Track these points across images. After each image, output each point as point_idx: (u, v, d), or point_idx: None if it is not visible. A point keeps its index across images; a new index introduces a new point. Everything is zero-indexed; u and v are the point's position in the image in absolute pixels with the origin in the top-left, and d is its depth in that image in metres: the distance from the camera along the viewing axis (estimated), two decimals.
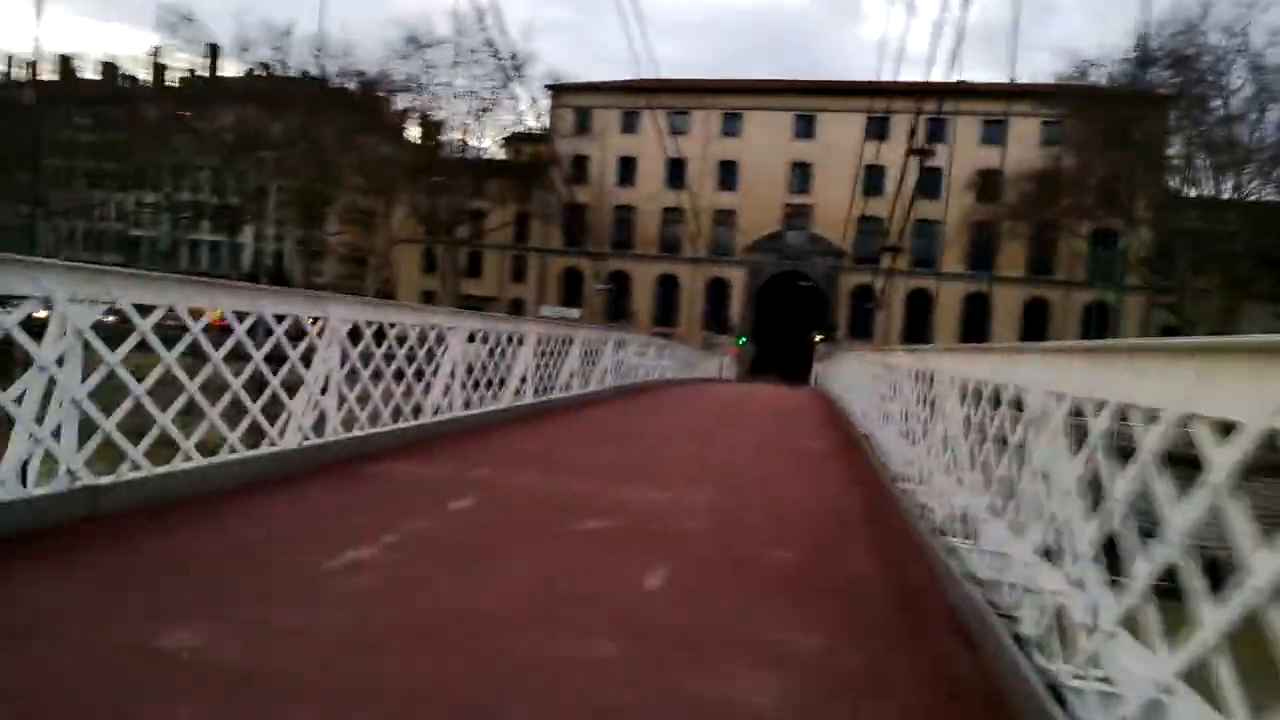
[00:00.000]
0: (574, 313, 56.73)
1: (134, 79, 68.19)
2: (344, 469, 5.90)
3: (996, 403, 4.43)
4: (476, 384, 9.01)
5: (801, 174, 60.98)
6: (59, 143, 63.75)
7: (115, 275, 4.30)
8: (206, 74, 64.02)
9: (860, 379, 14.32)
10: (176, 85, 64.65)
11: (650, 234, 62.79)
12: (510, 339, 10.29)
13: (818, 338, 60.22)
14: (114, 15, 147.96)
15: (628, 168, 63.15)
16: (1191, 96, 39.90)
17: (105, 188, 66.54)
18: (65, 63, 69.77)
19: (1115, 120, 42.65)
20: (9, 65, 71.82)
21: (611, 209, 63.30)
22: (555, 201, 59.39)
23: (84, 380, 3.98)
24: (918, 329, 57.77)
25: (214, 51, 62.80)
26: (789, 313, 64.23)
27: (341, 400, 6.32)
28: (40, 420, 3.75)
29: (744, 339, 58.41)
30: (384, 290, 68.70)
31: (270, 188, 64.38)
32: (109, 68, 69.67)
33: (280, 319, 5.65)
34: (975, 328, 56.83)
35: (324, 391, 6.08)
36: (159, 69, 66.40)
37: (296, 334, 6.08)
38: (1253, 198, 38.42)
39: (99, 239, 68.30)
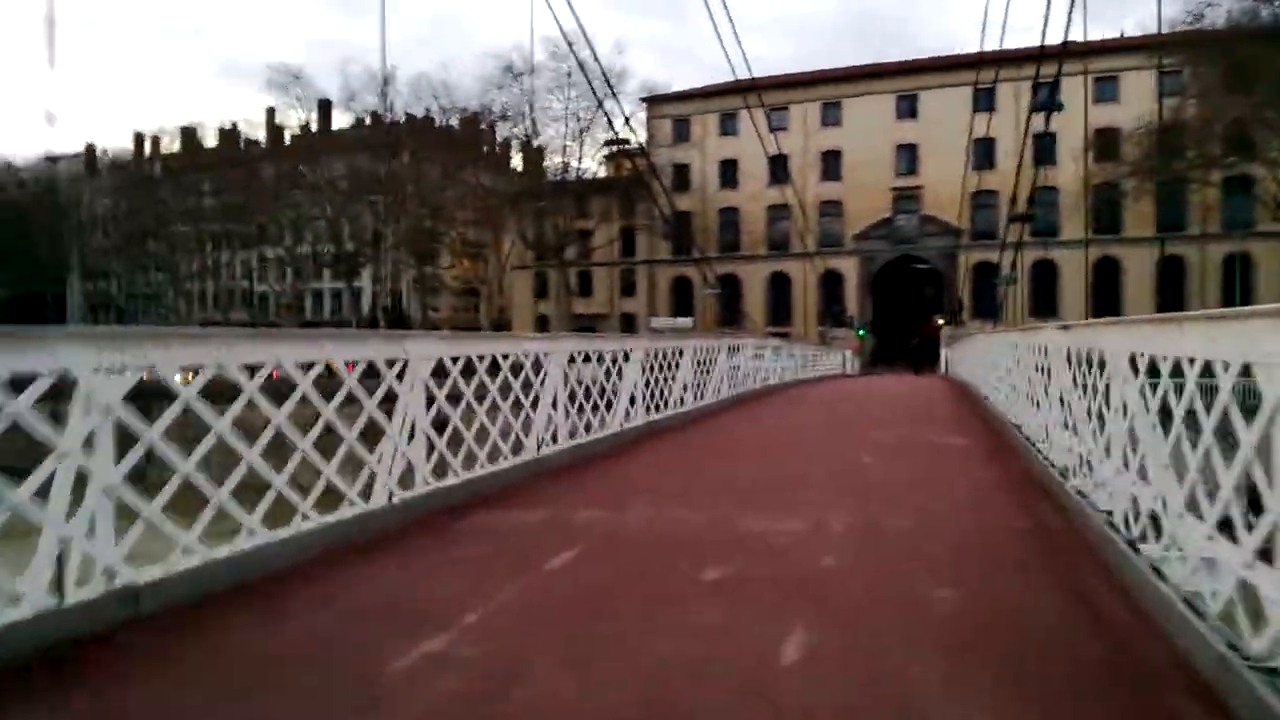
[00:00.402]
0: (686, 322, 56.09)
1: (252, 141, 71.92)
2: (435, 524, 5.34)
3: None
4: (581, 409, 8.39)
5: (907, 155, 58.70)
6: (186, 210, 67.48)
7: (150, 336, 3.84)
8: (317, 128, 66.77)
9: (998, 362, 13.13)
10: (289, 143, 67.73)
11: (757, 234, 61.65)
12: (615, 358, 9.66)
13: (940, 322, 57.80)
14: (236, 79, 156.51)
15: (729, 170, 62.22)
16: None
17: (230, 248, 69.90)
18: (188, 134, 73.80)
19: (1237, 61, 39.36)
20: (138, 143, 76.79)
21: (716, 213, 62.45)
22: (659, 212, 59.12)
23: (120, 459, 3.51)
24: (1046, 302, 54.60)
25: (324, 106, 65.45)
26: (908, 299, 61.88)
27: (431, 447, 5.79)
28: (73, 512, 3.29)
29: (863, 330, 56.47)
30: (499, 319, 69.96)
31: (384, 231, 66.49)
32: (227, 134, 73.46)
33: (354, 364, 5.20)
34: (1106, 295, 53.18)
35: (411, 439, 5.56)
36: (274, 129, 69.84)
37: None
38: None
39: (228, 298, 71.86)
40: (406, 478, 5.50)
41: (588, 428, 8.48)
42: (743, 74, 35.79)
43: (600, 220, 59.07)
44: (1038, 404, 8.03)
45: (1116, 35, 50.20)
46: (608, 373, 9.12)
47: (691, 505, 6.11)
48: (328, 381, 5.07)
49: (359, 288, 72.59)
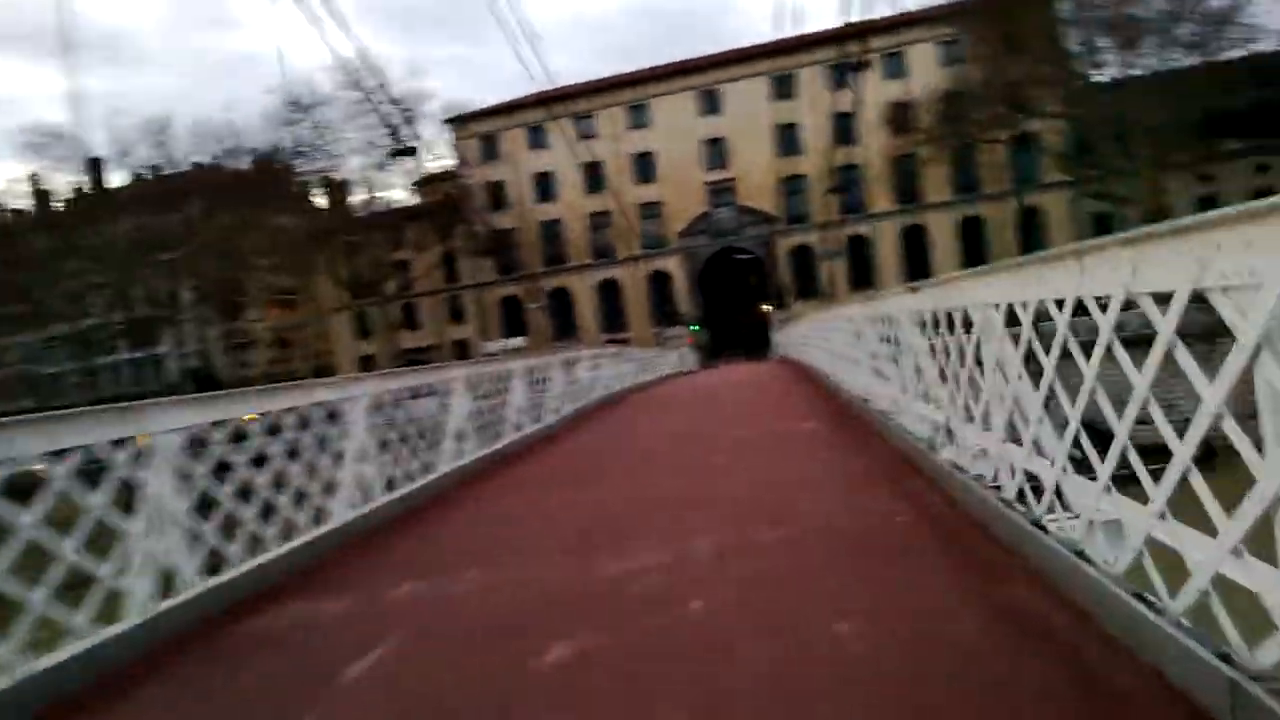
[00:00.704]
0: (519, 342, 54.85)
1: (16, 211, 64.56)
2: (207, 637, 4.15)
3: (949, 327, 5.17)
4: (398, 458, 7.27)
5: (717, 149, 59.80)
6: None
7: None
8: (91, 189, 61.01)
9: (833, 339, 13.07)
10: (61, 209, 61.47)
11: (581, 244, 61.19)
12: (433, 391, 8.59)
13: (766, 308, 59.22)
14: None
15: (544, 183, 61.54)
16: None
17: (3, 332, 62.65)
18: None
19: (1007, 25, 42.05)
20: None
21: (537, 227, 61.56)
22: (479, 233, 57.63)
23: None
24: (862, 275, 56.85)
25: (94, 164, 59.86)
26: (734, 290, 63.10)
27: (195, 539, 4.59)
28: None
29: (696, 326, 57.02)
30: (321, 367, 66.38)
31: (179, 290, 61.67)
32: None
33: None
34: (916, 260, 55.97)
35: (157, 537, 4.34)
36: (40, 195, 63.20)
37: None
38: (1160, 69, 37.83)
39: (10, 386, 64.52)
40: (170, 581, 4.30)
41: (410, 476, 7.35)
42: (545, 85, 35.39)
43: (417, 249, 56.91)
44: (887, 376, 7.61)
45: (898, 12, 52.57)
46: (429, 412, 8.05)
47: (534, 558, 5.10)
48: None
49: (161, 353, 67.33)
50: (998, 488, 4.30)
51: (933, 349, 5.66)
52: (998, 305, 4.29)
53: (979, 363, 4.64)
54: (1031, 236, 53.85)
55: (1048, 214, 54.49)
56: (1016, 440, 3.99)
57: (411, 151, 49.02)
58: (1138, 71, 38.06)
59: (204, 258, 55.39)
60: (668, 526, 5.41)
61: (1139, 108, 35.10)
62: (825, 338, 14.47)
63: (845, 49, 27.50)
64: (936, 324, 5.59)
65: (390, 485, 6.89)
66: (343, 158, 53.94)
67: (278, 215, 55.33)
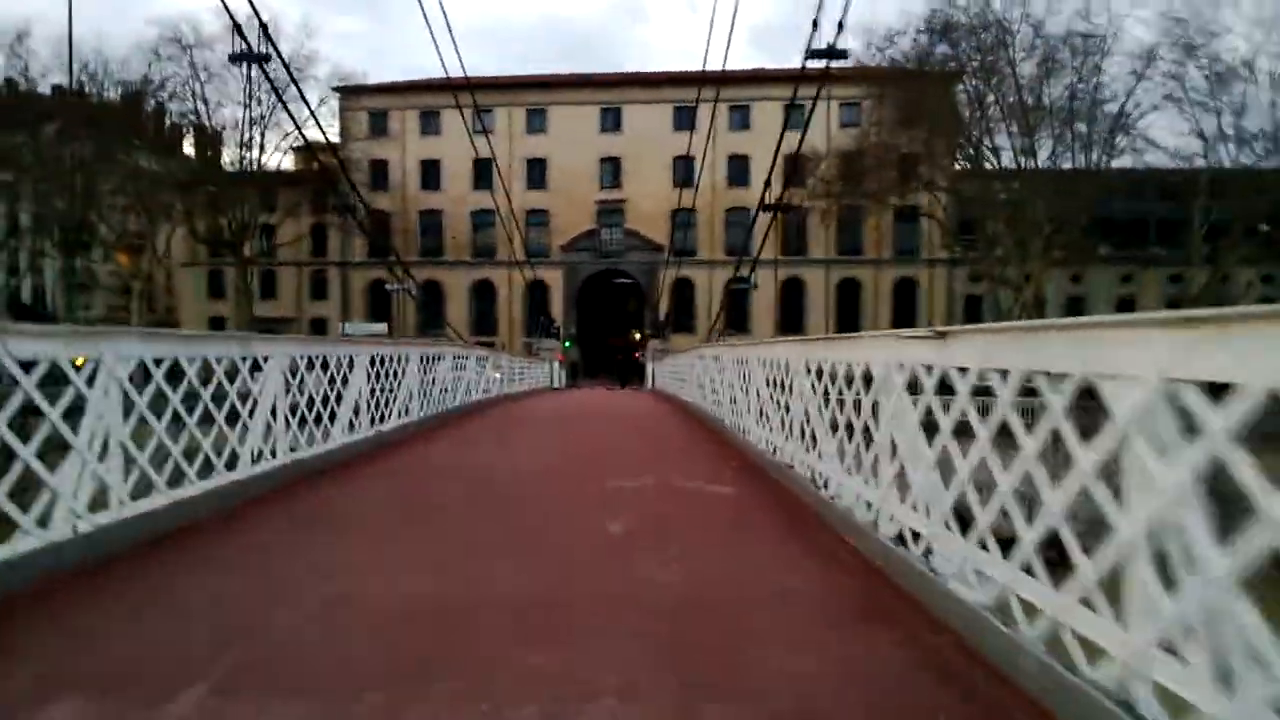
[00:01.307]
0: (380, 327, 52.49)
1: None
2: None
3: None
4: (166, 457, 5.34)
5: (612, 168, 59.38)
6: None
7: None
8: None
9: (728, 380, 12.40)
10: None
11: (461, 239, 59.40)
12: (229, 369, 6.42)
13: (638, 335, 59.03)
14: None
15: (431, 171, 59.51)
16: (982, 67, 40.98)
17: None
18: None
19: (910, 96, 43.39)
20: None
21: (417, 214, 59.42)
22: (352, 210, 54.98)
23: None
24: (737, 316, 57.44)
25: None
26: (610, 312, 62.69)
27: None
28: None
29: (570, 343, 56.16)
30: (164, 320, 61.92)
31: (19, 215, 56.35)
32: None
33: None
34: (792, 310, 57.12)
35: None
36: None
37: None
38: (1052, 162, 39.90)
39: None
40: None
41: (179, 480, 5.43)
42: (453, 68, 33.99)
43: (286, 215, 53.75)
44: (807, 434, 6.78)
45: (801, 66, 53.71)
46: (230, 393, 6.75)
47: (320, 686, 3.21)
48: None
49: None
50: None
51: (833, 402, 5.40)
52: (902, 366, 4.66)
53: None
54: (907, 305, 55.95)
55: (922, 287, 56.61)
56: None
57: (319, 146, 46.64)
58: (1030, 163, 39.93)
59: (52, 187, 50.80)
60: (559, 654, 3.47)
61: (1036, 198, 36.75)
62: (720, 379, 13.53)
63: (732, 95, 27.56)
64: (832, 377, 5.97)
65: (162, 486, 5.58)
66: (220, 107, 50.51)
67: (141, 155, 51.34)
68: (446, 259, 59.13)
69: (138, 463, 4.75)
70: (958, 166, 46.68)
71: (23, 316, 52.68)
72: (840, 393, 5.71)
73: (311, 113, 26.76)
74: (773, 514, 6.42)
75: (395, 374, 10.97)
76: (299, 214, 53.90)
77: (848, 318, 56.21)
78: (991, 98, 41.71)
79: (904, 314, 56.00)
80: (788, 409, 7.44)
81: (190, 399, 5.39)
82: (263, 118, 50.98)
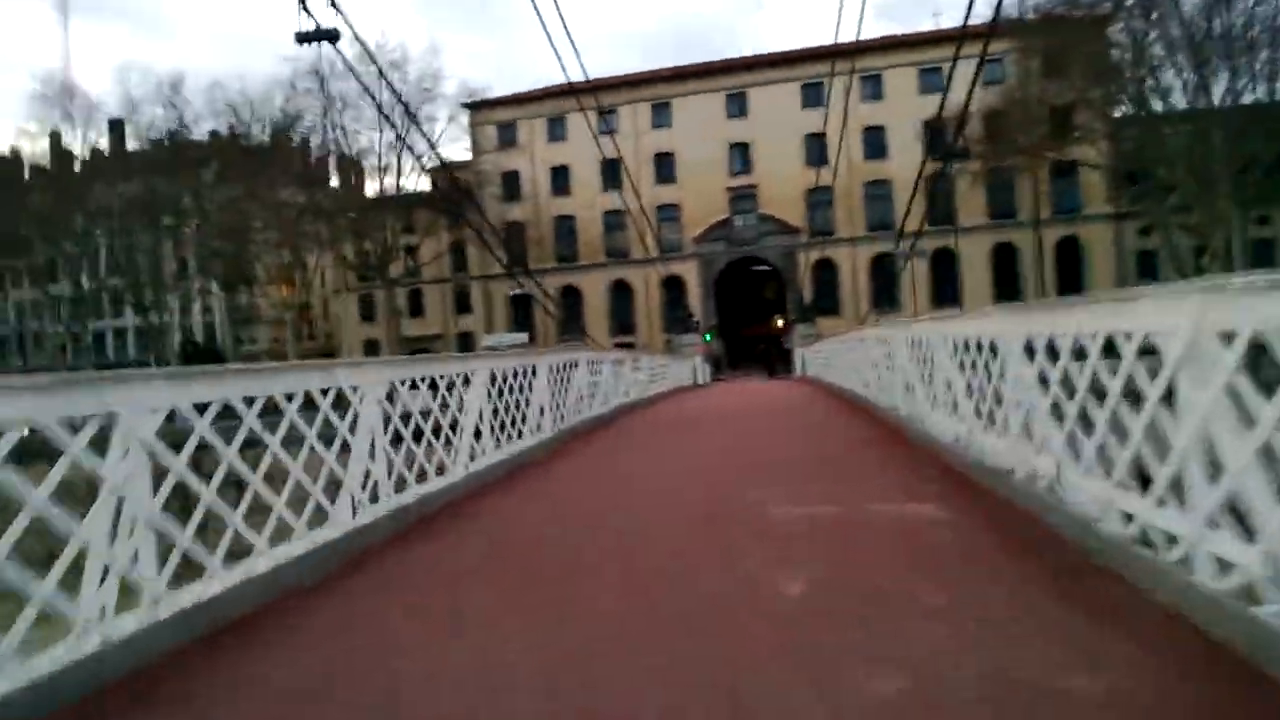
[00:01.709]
0: (521, 337, 52.84)
1: (36, 168, 62.35)
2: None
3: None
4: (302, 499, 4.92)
5: (741, 154, 57.83)
6: None
7: None
8: (109, 150, 59.32)
9: (889, 361, 11.21)
10: (78, 168, 59.62)
11: (594, 242, 59.28)
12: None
13: (779, 322, 57.18)
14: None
15: (560, 177, 59.67)
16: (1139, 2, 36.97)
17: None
18: None
19: (1058, 44, 39.88)
20: None
21: (550, 221, 59.69)
22: (482, 227, 55.66)
23: None
24: (884, 294, 54.80)
25: (115, 126, 58.14)
26: (750, 302, 61.14)
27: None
28: None
29: (710, 335, 54.95)
30: (325, 348, 64.78)
31: (187, 257, 60.18)
32: (2, 159, 64.06)
33: None
34: (946, 283, 53.96)
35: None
36: (60, 153, 61.27)
37: None
38: (1229, 99, 35.56)
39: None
40: None
41: (276, 539, 4.54)
42: (573, 73, 33.44)
43: (425, 235, 54.95)
44: (1037, 434, 5.09)
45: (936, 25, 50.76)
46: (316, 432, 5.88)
47: None
48: None
49: (164, 322, 65.75)
50: None
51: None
52: None
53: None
54: (1073, 266, 51.96)
55: (1088, 246, 52.43)
56: None
57: (453, 165, 47.39)
58: (1204, 100, 35.79)
59: (211, 228, 53.88)
60: None
61: (1215, 138, 32.88)
62: (882, 362, 11.88)
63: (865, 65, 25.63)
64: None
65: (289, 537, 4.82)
66: (357, 134, 52.13)
67: (289, 190, 53.62)
68: (581, 263, 59.14)
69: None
70: (1119, 114, 42.63)
71: (196, 356, 56.19)
72: (1094, 376, 4.21)
73: (428, 138, 26.74)
74: (1016, 557, 4.35)
75: (522, 388, 10.12)
76: (438, 232, 55.00)
77: (1006, 286, 52.56)
78: (1153, 34, 37.61)
79: (1068, 277, 51.92)
80: (998, 399, 5.95)
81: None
82: (398, 139, 52.21)
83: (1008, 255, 53.98)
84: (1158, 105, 38.59)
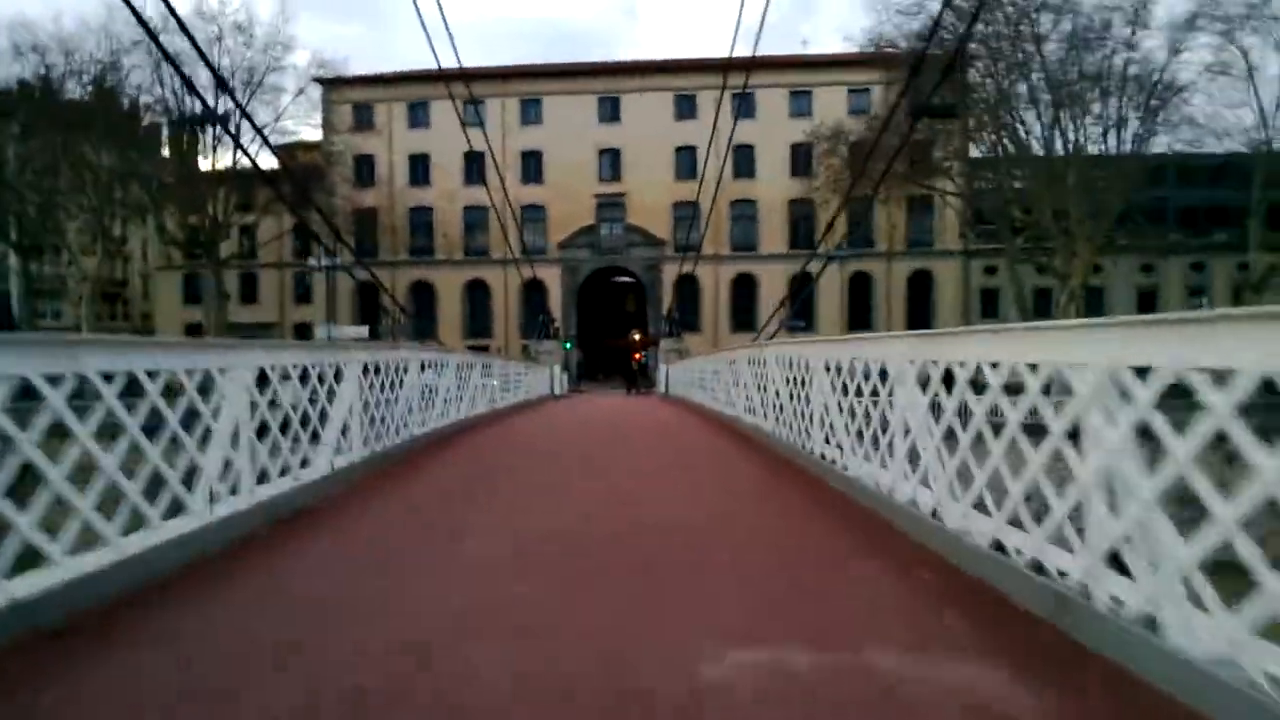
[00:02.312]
0: (361, 331, 48.99)
1: None
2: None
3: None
4: None
5: (611, 161, 56.20)
6: None
7: None
8: None
9: (790, 389, 9.21)
10: None
11: (453, 237, 56.16)
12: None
13: (637, 336, 55.97)
14: None
15: (419, 165, 56.27)
16: (994, 49, 37.56)
17: None
18: None
19: (919, 81, 40.17)
20: None
21: (406, 211, 56.18)
22: (340, 207, 51.68)
23: None
24: (744, 315, 54.49)
25: None
26: (611, 312, 59.72)
27: None
28: None
29: (569, 344, 52.91)
30: (140, 328, 58.84)
31: None
32: None
33: None
34: (802, 306, 54.06)
35: None
36: None
37: None
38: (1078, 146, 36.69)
39: None
40: None
41: None
42: (444, 58, 30.91)
43: (264, 213, 50.36)
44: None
45: (816, 47, 50.99)
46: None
47: None
48: None
49: None
50: None
51: None
52: None
53: None
54: (922, 300, 53.08)
55: (938, 281, 53.71)
56: None
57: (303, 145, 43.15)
58: (1061, 143, 36.78)
59: (9, 188, 47.50)
60: None
61: (1076, 184, 33.66)
62: (782, 389, 9.80)
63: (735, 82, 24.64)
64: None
65: None
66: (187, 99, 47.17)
67: (104, 153, 47.98)
68: (438, 258, 55.95)
69: None
70: (976, 153, 43.68)
71: None
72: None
73: (251, 126, 23.65)
74: None
75: (330, 392, 7.63)
76: (279, 212, 50.63)
77: (859, 313, 53.17)
78: (1012, 77, 38.46)
79: (918, 308, 53.09)
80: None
81: None
82: (237, 109, 47.63)
83: (864, 283, 54.64)
84: (1009, 147, 39.61)
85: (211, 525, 4.91)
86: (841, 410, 7.11)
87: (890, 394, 5.88)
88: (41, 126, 46.09)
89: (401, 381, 10.32)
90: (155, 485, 4.37)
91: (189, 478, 4.76)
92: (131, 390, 4.21)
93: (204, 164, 50.16)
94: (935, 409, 5.10)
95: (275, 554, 5.01)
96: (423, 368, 11.61)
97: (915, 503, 5.37)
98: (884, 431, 6.05)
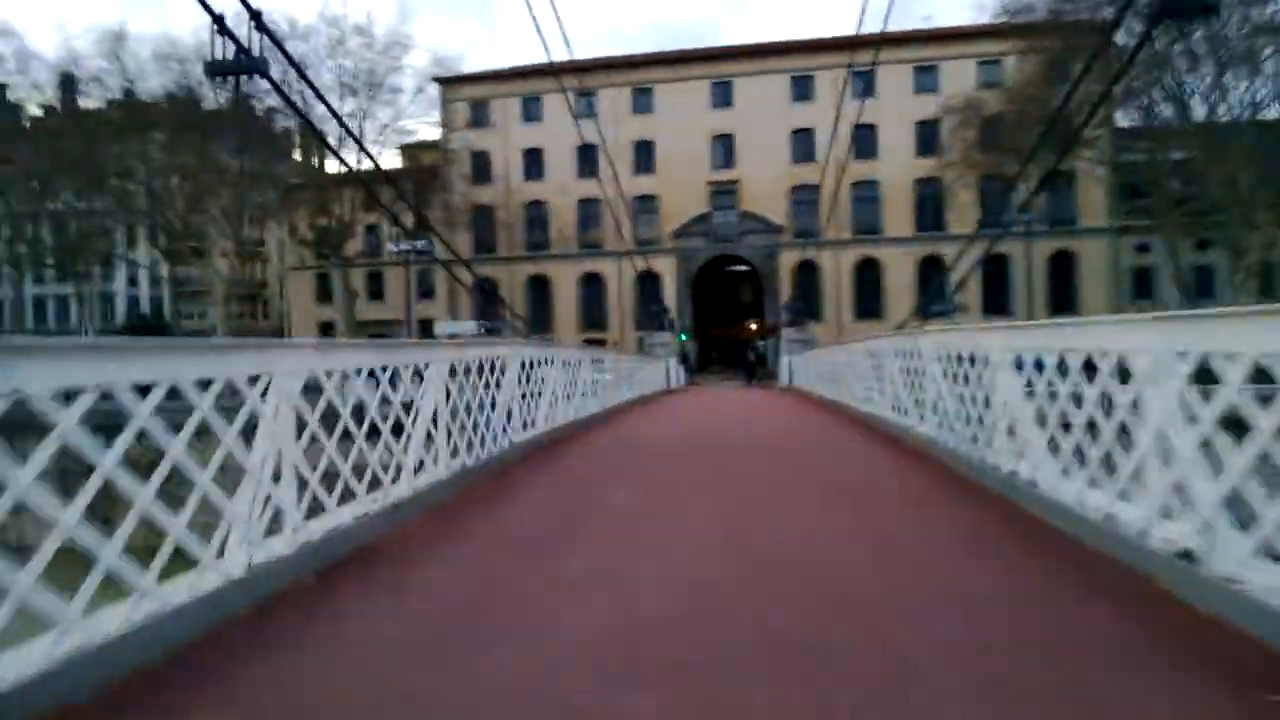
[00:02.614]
0: (469, 326, 49.08)
1: None
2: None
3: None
4: None
5: (724, 147, 55.03)
6: None
7: None
8: (62, 108, 55.09)
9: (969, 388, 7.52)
10: (30, 125, 55.29)
11: (567, 230, 56.25)
12: None
13: (754, 325, 54.76)
14: None
15: (534, 160, 56.58)
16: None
17: None
18: None
19: (1059, 52, 37.69)
20: None
21: (521, 207, 56.60)
22: (458, 204, 52.57)
23: None
24: (869, 302, 52.53)
25: (66, 82, 53.99)
26: (726, 301, 58.68)
27: None
28: None
29: (685, 335, 52.23)
30: (278, 328, 61.47)
31: (136, 224, 56.66)
32: None
33: None
34: (935, 292, 51.63)
35: None
36: (8, 107, 57.03)
37: None
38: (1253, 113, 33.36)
39: None
40: None
41: None
42: (554, 51, 30.72)
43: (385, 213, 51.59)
44: None
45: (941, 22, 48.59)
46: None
47: None
48: None
49: (108, 291, 62.11)
50: None
51: None
52: None
53: None
54: (1062, 282, 49.99)
55: (1082, 260, 50.36)
56: None
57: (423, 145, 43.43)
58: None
59: (161, 195, 50.35)
60: None
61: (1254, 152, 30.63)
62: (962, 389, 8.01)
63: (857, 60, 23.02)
64: None
65: None
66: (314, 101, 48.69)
67: (247, 161, 50.19)
68: (553, 252, 56.17)
69: None
70: (1125, 123, 40.65)
71: (142, 329, 52.73)
72: None
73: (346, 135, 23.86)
74: None
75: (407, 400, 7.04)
76: (402, 212, 51.82)
77: (995, 298, 50.35)
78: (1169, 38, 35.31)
79: (1060, 291, 49.87)
80: None
81: None
82: (361, 111, 49.05)
83: (999, 264, 51.72)
84: (1168, 117, 36.47)
85: (235, 583, 3.95)
86: (1044, 421, 5.69)
87: (1134, 399, 4.51)
88: (185, 135, 48.49)
89: (499, 383, 9.76)
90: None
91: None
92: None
93: (333, 166, 51.97)
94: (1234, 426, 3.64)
95: (313, 619, 3.97)
96: (524, 366, 11.00)
97: (1192, 554, 3.81)
98: (1126, 451, 4.59)
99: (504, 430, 9.66)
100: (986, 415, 7.13)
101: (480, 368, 8.94)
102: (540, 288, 56.12)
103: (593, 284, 56.11)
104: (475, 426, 8.45)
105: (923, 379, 9.54)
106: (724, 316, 57.95)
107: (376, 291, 57.87)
